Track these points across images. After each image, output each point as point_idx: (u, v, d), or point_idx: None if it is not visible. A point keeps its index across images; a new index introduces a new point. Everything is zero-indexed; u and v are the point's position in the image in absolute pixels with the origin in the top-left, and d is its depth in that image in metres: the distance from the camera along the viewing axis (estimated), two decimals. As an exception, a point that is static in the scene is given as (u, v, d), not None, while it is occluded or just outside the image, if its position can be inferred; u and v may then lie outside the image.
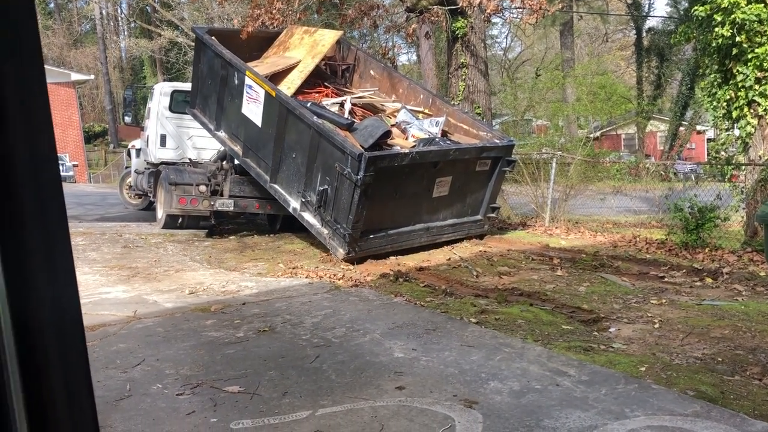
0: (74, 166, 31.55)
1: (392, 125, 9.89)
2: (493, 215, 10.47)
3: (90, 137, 42.22)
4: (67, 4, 53.93)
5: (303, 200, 9.12)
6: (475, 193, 9.96)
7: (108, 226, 12.02)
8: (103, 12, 45.85)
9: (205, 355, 4.71)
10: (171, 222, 11.57)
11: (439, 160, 9.02)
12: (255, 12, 11.65)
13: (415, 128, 9.85)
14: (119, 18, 50.29)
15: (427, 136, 9.59)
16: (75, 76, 33.97)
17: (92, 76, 38.81)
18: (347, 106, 10.18)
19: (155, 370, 4.38)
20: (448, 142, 9.77)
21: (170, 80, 34.83)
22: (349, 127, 9.13)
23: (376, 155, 8.21)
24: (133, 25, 48.17)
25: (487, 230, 10.47)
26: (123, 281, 7.48)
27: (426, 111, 10.88)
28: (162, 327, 5.48)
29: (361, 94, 11.22)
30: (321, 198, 8.65)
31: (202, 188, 10.97)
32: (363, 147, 8.51)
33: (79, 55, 47.63)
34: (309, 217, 9.11)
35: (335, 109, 10.03)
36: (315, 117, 8.79)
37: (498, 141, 9.85)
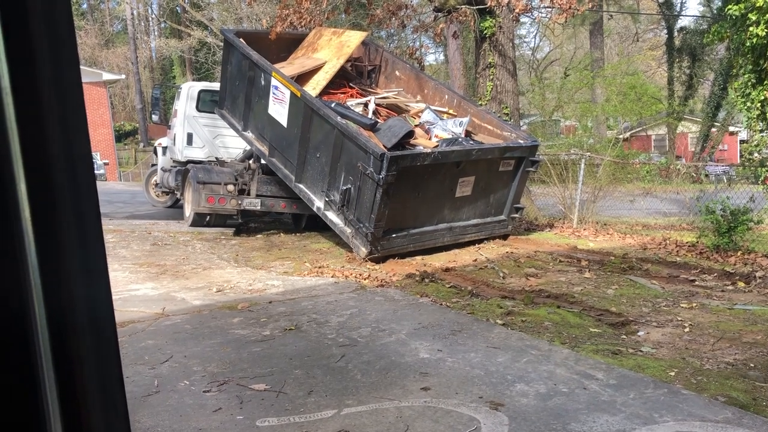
0: (105, 164, 32.03)
1: (416, 125, 9.95)
2: (517, 215, 10.46)
3: (120, 136, 42.87)
4: (99, 4, 54.85)
5: (327, 199, 9.21)
6: (498, 193, 9.95)
7: (137, 224, 12.18)
8: (134, 12, 46.46)
9: (231, 352, 4.75)
10: (199, 220, 11.73)
11: (461, 160, 9.05)
12: (283, 12, 11.70)
13: (438, 128, 9.87)
14: (150, 18, 50.99)
15: (450, 136, 9.61)
16: (106, 76, 34.49)
17: (123, 76, 39.38)
18: (371, 107, 10.26)
19: (183, 366, 4.42)
20: (471, 142, 9.76)
21: (199, 80, 35.24)
22: (373, 128, 9.22)
23: (398, 155, 8.27)
24: (163, 25, 48.81)
25: (511, 230, 10.46)
26: (152, 278, 7.57)
27: (450, 111, 10.89)
28: (190, 324, 5.54)
29: (385, 95, 11.29)
30: (344, 197, 8.73)
31: (230, 187, 11.13)
32: (386, 147, 8.57)
33: (110, 55, 48.38)
34: (332, 216, 9.18)
35: (359, 109, 10.12)
36: (339, 117, 8.88)
37: (522, 141, 9.84)
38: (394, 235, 8.81)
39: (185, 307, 6.17)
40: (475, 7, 12.89)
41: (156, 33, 51.43)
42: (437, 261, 8.70)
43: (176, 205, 15.95)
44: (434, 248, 9.44)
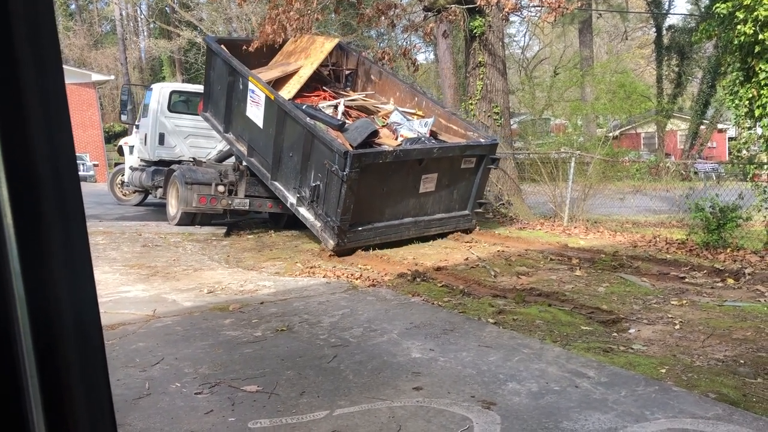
0: (95, 165, 31.85)
1: (384, 126, 10.60)
2: (480, 210, 11.08)
3: (110, 137, 42.61)
4: (87, 5, 54.49)
5: (298, 195, 9.76)
6: (461, 189, 10.47)
7: (127, 225, 12.13)
8: (123, 13, 46.25)
9: (223, 354, 4.73)
10: (186, 219, 12.01)
11: (423, 158, 9.59)
12: (273, 12, 11.70)
13: (405, 129, 10.46)
14: (139, 19, 50.75)
15: (415, 136, 10.17)
16: (95, 77, 34.30)
17: (112, 77, 39.16)
18: (340, 109, 10.90)
19: (174, 368, 4.40)
20: (433, 141, 10.32)
21: (188, 80, 35.21)
22: (341, 128, 9.83)
23: (361, 153, 8.87)
24: (152, 25, 48.56)
25: (475, 224, 10.93)
26: (142, 280, 7.54)
27: (419, 112, 11.45)
28: (181, 326, 5.52)
29: (355, 97, 11.89)
30: (314, 193, 9.27)
31: (221, 188, 11.40)
32: (352, 146, 9.20)
33: (99, 55, 48.09)
34: (304, 211, 9.72)
35: (330, 111, 10.74)
36: (308, 119, 9.46)
37: (482, 140, 10.41)
38: (360, 228, 9.34)
39: (176, 309, 6.14)
40: (464, 7, 12.90)
41: (145, 33, 51.21)
42: (428, 260, 8.71)
43: (143, 203, 16.35)
44: (423, 247, 9.57)
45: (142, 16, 49.98)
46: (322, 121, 9.74)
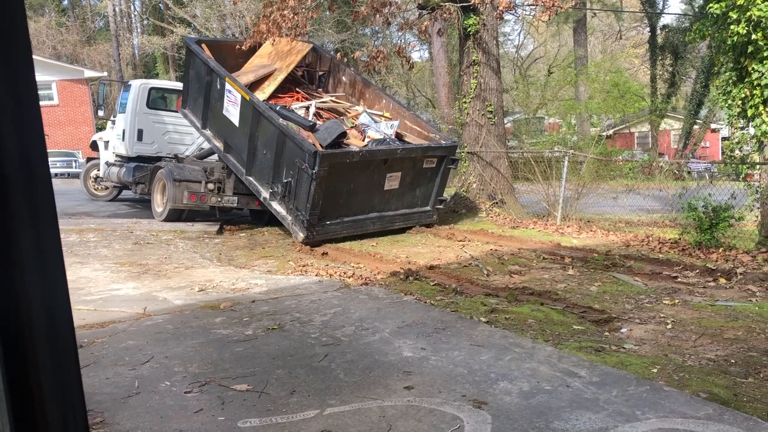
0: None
1: (352, 127, 11.15)
2: (441, 207, 11.69)
3: (103, 134, 42.38)
4: (80, 1, 54.20)
5: (271, 191, 10.26)
6: (424, 187, 11.12)
7: (119, 223, 12.07)
8: (117, 9, 46.04)
9: (213, 352, 4.70)
10: (174, 215, 12.16)
11: (387, 158, 10.20)
12: (267, 10, 11.70)
13: (372, 130, 11.01)
14: (132, 15, 50.51)
15: (381, 137, 10.70)
16: (88, 73, 34.15)
17: (105, 73, 38.91)
18: (312, 110, 11.39)
19: (164, 367, 4.37)
20: (398, 142, 10.89)
21: (181, 77, 35.08)
22: (312, 129, 10.31)
23: (329, 152, 9.45)
24: (146, 22, 48.31)
25: (436, 219, 11.59)
26: (133, 278, 7.49)
27: (386, 114, 11.97)
28: (171, 324, 5.48)
29: (326, 99, 12.39)
30: (285, 189, 9.81)
31: (210, 186, 11.59)
32: (322, 146, 9.70)
33: (92, 52, 47.83)
34: (276, 205, 10.24)
35: (302, 112, 11.22)
36: (281, 119, 9.98)
37: (443, 142, 11.07)
38: (328, 222, 9.97)
39: (167, 307, 6.11)
40: (458, 5, 12.88)
41: (139, 30, 50.94)
42: (421, 259, 8.70)
43: (117, 199, 16.43)
44: (417, 245, 9.61)
45: (136, 13, 49.77)
46: (294, 122, 10.28)
